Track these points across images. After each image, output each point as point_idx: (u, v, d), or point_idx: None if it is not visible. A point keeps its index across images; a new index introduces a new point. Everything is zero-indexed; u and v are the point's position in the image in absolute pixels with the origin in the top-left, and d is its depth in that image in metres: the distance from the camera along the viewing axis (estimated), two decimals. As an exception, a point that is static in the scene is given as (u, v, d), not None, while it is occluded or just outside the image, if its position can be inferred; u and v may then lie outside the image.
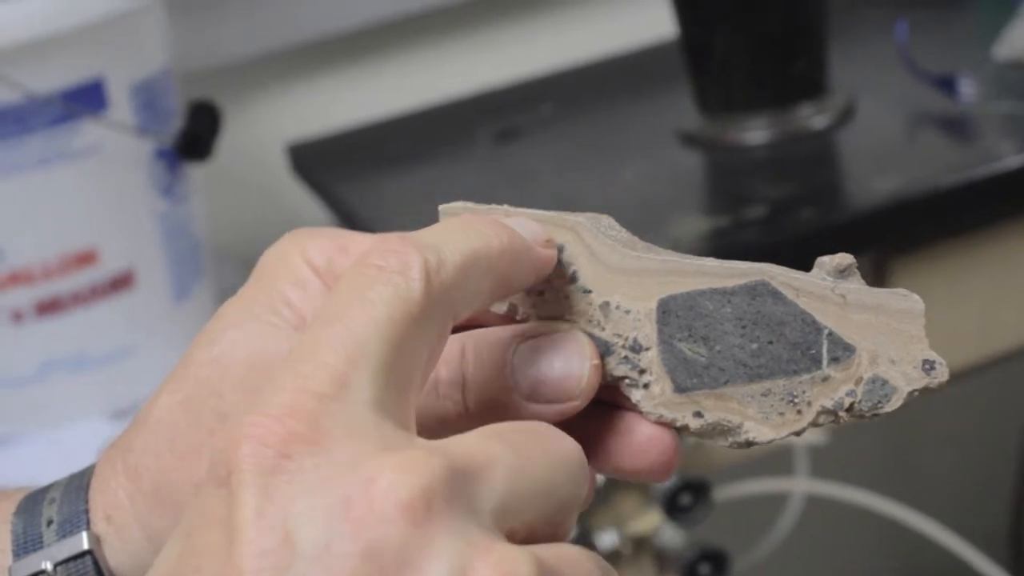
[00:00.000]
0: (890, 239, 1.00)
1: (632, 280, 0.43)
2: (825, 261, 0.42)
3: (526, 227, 0.41)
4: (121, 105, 1.02)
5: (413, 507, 0.32)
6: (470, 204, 0.43)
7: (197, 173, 1.11)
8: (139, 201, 1.04)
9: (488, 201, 0.44)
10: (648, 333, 0.42)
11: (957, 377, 1.06)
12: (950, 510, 1.34)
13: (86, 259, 1.03)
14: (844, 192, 1.06)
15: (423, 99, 1.34)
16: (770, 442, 0.42)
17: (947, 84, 1.09)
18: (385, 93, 1.37)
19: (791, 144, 1.10)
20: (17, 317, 1.02)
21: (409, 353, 0.36)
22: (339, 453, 0.33)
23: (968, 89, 1.09)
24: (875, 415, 0.42)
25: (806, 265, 0.43)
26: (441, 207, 0.43)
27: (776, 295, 0.42)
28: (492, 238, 0.39)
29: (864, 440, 1.58)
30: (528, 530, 0.35)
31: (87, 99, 1.00)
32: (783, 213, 0.97)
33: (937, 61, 1.13)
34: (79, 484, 0.45)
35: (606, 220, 0.43)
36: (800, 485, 1.25)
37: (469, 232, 0.39)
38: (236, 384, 0.43)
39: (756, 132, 1.11)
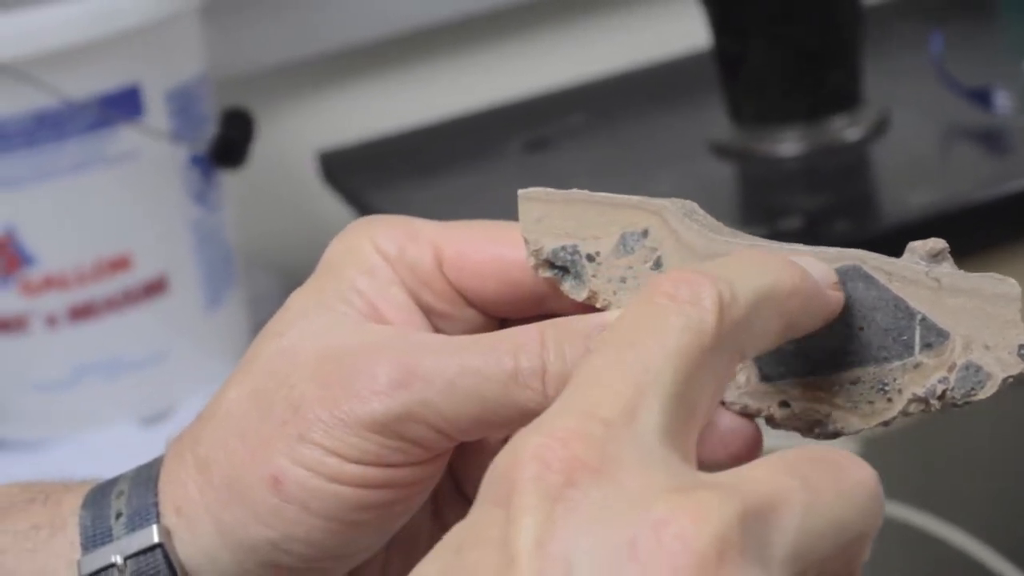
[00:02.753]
0: (924, 252, 0.99)
1: None
2: (917, 246, 0.41)
3: (816, 268, 0.40)
4: (156, 111, 1.02)
5: (706, 558, 0.31)
6: (549, 189, 0.43)
7: (230, 180, 1.11)
8: (173, 207, 1.05)
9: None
10: None
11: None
12: (985, 523, 1.33)
13: (120, 265, 1.03)
14: (878, 205, 1.06)
15: (454, 108, 1.34)
16: (858, 432, 0.41)
17: (982, 97, 1.09)
18: (416, 101, 1.37)
19: (825, 156, 1.09)
20: (51, 322, 1.02)
21: (697, 386, 0.35)
22: (627, 484, 0.32)
23: (1003, 102, 1.08)
24: (967, 403, 0.40)
25: None
26: (520, 192, 0.43)
27: (868, 279, 0.41)
28: (785, 278, 0.38)
29: (898, 453, 1.57)
30: (819, 569, 0.34)
31: (123, 105, 1.00)
32: (817, 225, 0.97)
33: (972, 73, 1.12)
34: (147, 476, 0.45)
35: (691, 204, 0.42)
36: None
37: (762, 269, 0.38)
38: (308, 376, 0.42)
39: (789, 143, 1.10)
